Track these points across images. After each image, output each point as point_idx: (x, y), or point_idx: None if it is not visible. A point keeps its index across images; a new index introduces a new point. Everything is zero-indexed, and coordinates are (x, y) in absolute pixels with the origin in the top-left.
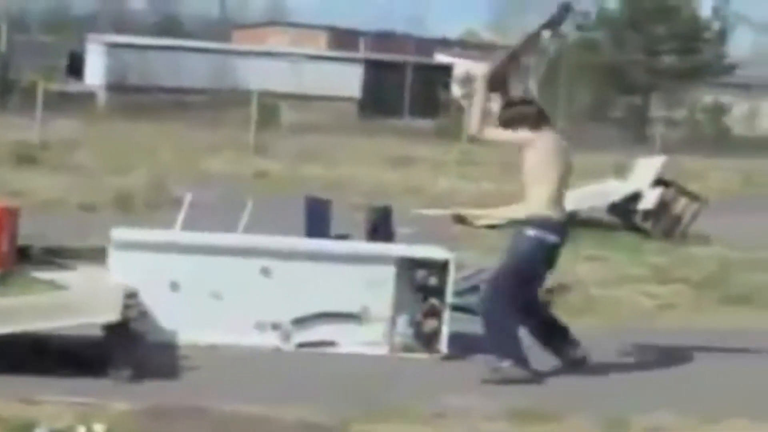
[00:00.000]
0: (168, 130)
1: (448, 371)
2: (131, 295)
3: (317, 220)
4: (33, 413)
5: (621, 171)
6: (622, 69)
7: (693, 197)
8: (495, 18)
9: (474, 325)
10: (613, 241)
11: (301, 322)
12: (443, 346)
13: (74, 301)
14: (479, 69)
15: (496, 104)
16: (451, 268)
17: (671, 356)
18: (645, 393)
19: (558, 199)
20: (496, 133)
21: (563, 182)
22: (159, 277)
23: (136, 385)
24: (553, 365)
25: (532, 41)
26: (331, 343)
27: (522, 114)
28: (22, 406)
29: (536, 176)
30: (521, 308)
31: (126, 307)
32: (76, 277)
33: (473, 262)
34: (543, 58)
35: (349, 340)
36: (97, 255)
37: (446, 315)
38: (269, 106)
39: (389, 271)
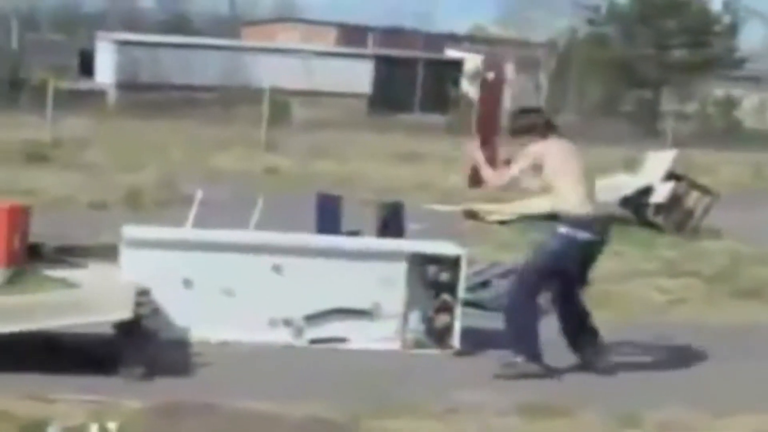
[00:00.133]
0: (178, 128)
1: (460, 367)
2: (143, 293)
3: (328, 216)
4: (46, 411)
5: (632, 165)
6: (632, 63)
7: (704, 191)
8: (502, 13)
9: (486, 321)
10: (624, 236)
11: (313, 318)
12: (455, 341)
13: (86, 299)
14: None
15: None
16: (463, 263)
17: (683, 351)
18: (656, 388)
19: (586, 196)
20: (513, 169)
21: (586, 180)
22: (171, 275)
23: (148, 382)
24: (569, 363)
25: None
26: (343, 340)
27: (531, 123)
28: (35, 404)
29: (559, 177)
30: (559, 305)
31: (138, 304)
32: (87, 275)
33: (485, 257)
34: (553, 53)
35: (361, 337)
36: (108, 253)
37: (458, 311)
38: (280, 103)
39: (401, 267)
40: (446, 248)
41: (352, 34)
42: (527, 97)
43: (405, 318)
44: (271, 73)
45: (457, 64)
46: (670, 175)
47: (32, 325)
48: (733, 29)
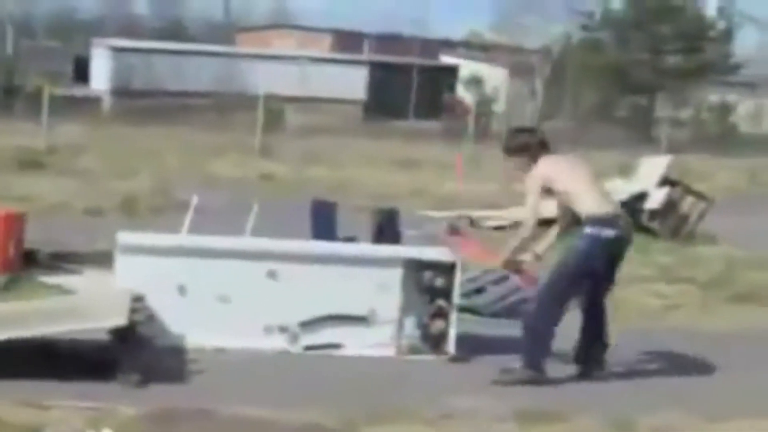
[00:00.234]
0: (173, 134)
1: (456, 373)
2: (138, 299)
3: (323, 222)
4: (41, 418)
5: (627, 171)
6: (627, 69)
7: (699, 196)
8: (498, 19)
9: (481, 327)
10: None
11: (308, 324)
12: (450, 347)
13: (81, 306)
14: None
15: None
16: (458, 269)
17: (678, 356)
18: (651, 393)
19: (602, 196)
20: (530, 201)
21: (598, 182)
22: (166, 281)
23: (143, 389)
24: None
25: None
26: (339, 346)
27: (525, 143)
28: (31, 411)
29: (571, 186)
30: (586, 308)
31: (133, 311)
32: (82, 282)
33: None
34: (548, 59)
35: (357, 343)
36: (103, 259)
37: (453, 316)
38: (275, 109)
39: (396, 273)
40: (442, 254)
41: (347, 41)
42: (522, 103)
43: (400, 324)
44: (266, 79)
45: (452, 70)
46: (665, 181)
47: (27, 332)
48: (727, 35)
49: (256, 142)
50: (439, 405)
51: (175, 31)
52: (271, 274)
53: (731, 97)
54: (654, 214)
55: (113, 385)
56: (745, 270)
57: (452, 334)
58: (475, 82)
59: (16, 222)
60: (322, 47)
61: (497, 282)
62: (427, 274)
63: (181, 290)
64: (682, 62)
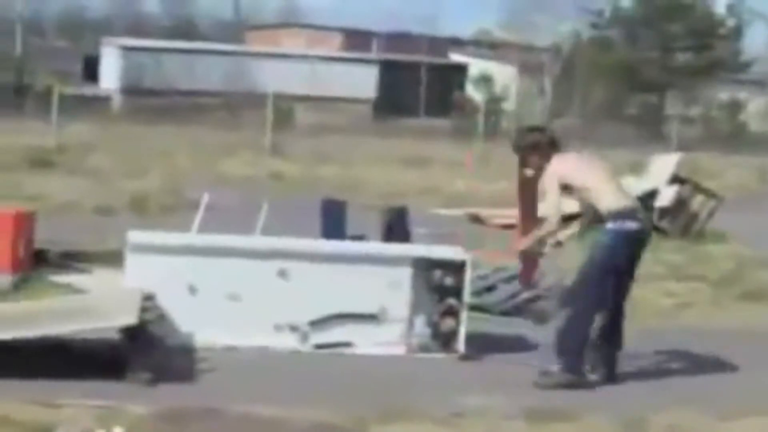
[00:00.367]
0: (183, 133)
1: (466, 371)
2: (148, 298)
3: (333, 221)
4: (52, 416)
5: (637, 169)
6: (637, 67)
7: (709, 194)
8: (507, 17)
9: (491, 325)
10: None
11: (318, 323)
12: (461, 345)
13: (91, 305)
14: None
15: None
16: (468, 268)
17: (689, 354)
18: (663, 391)
19: (619, 190)
20: (551, 199)
21: (614, 178)
22: (176, 280)
23: (154, 387)
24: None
25: None
26: (349, 344)
27: (535, 141)
28: (41, 410)
29: (588, 181)
30: (609, 307)
31: (143, 310)
32: (93, 281)
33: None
34: (558, 57)
35: (367, 341)
36: (113, 258)
37: (463, 315)
38: (284, 108)
39: (406, 272)
40: (452, 252)
41: (357, 39)
42: (532, 101)
43: (410, 322)
44: (276, 78)
45: (461, 69)
46: (675, 179)
47: (37, 331)
48: (737, 32)
49: (266, 141)
50: (449, 403)
51: (184, 30)
52: (282, 273)
53: (741, 94)
54: (664, 212)
55: (124, 384)
56: (755, 268)
57: (462, 332)
58: (485, 80)
59: (26, 221)
60: (332, 46)
61: (508, 280)
62: (437, 273)
63: (192, 289)
64: (692, 60)
